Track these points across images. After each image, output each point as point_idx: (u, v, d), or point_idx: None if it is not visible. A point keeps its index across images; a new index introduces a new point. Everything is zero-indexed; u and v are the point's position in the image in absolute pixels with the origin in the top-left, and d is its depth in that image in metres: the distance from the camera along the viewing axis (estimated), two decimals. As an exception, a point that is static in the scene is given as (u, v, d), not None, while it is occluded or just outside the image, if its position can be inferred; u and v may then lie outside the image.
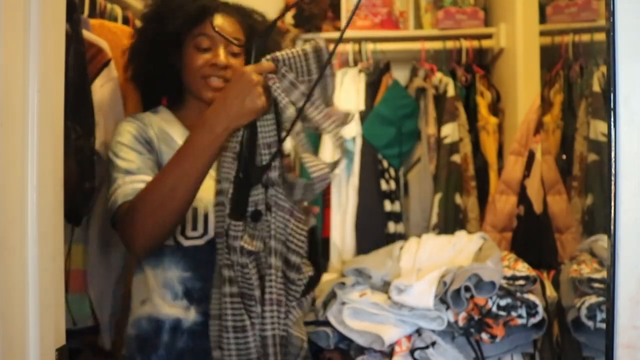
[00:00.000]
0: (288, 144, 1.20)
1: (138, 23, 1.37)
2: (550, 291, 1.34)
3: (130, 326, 1.25)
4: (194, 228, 1.19)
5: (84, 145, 1.21)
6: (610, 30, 0.81)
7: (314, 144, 2.31)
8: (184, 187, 1.06)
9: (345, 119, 1.09)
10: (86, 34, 1.29)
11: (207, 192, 1.20)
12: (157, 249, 1.18)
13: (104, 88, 1.36)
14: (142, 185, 1.11)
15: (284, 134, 1.05)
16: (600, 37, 0.88)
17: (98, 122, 1.31)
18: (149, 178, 1.12)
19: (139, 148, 1.19)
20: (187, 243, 1.20)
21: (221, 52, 1.24)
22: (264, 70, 1.03)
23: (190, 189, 1.07)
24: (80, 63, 1.19)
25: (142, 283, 1.24)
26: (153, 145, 1.23)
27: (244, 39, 1.29)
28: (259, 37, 1.10)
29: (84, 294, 1.34)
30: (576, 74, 1.83)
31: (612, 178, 0.81)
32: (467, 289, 1.22)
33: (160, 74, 1.30)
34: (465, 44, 2.37)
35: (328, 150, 2.26)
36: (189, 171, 1.05)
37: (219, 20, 1.25)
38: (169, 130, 1.27)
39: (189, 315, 1.20)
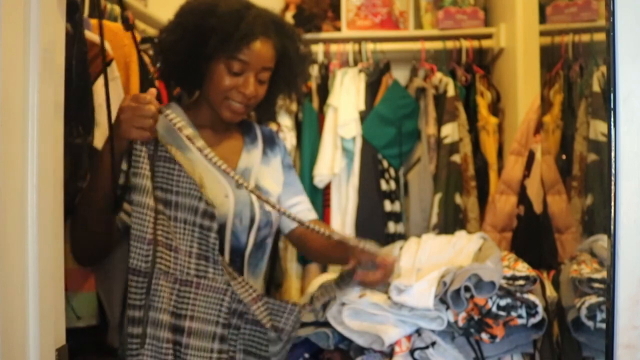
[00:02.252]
0: None
1: (165, 28, 1.28)
2: (550, 291, 1.34)
3: (124, 324, 1.25)
4: None
5: (82, 144, 1.21)
6: (610, 30, 0.81)
7: (314, 144, 2.31)
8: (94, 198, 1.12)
9: None
10: (88, 33, 1.29)
11: (210, 192, 1.21)
12: (97, 259, 1.24)
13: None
14: None
15: None
16: (600, 37, 0.88)
17: (99, 121, 1.31)
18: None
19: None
20: None
21: (251, 82, 1.23)
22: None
23: (99, 200, 1.12)
24: (82, 63, 1.19)
25: None
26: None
27: (274, 64, 1.27)
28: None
29: (89, 293, 1.35)
30: (576, 74, 1.83)
31: (612, 178, 0.81)
32: (467, 289, 1.22)
33: (183, 75, 1.30)
34: (465, 44, 2.37)
35: (328, 151, 2.26)
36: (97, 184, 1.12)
37: (257, 46, 1.22)
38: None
39: None
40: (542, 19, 2.01)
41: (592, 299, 1.17)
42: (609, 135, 0.82)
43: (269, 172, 1.37)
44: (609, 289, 0.82)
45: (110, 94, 1.37)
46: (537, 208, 1.84)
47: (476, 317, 1.22)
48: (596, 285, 1.20)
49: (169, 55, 1.27)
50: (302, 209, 1.42)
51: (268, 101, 1.35)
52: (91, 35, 1.32)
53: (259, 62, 1.23)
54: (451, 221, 2.19)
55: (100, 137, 1.31)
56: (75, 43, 1.14)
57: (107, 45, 1.35)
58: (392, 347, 1.25)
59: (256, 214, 1.27)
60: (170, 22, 1.27)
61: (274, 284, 2.19)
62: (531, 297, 1.23)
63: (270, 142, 1.42)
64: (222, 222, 1.21)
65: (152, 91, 1.07)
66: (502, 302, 1.22)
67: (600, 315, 1.14)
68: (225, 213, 1.22)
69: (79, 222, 1.17)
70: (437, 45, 2.39)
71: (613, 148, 0.81)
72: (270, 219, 1.30)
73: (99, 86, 1.33)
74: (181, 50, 1.24)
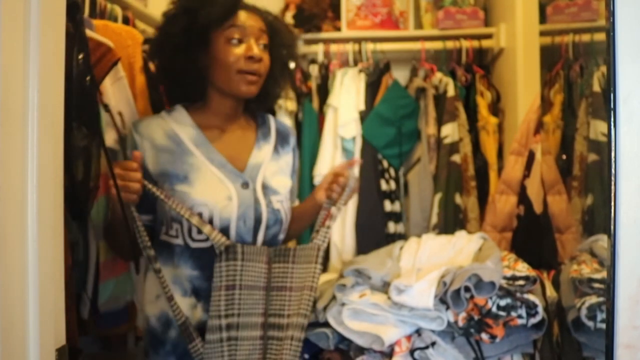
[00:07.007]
0: None
1: (160, 20, 1.33)
2: (550, 291, 1.34)
3: (144, 320, 1.30)
4: (199, 231, 1.22)
5: (89, 145, 1.21)
6: (610, 30, 0.81)
7: (314, 144, 2.31)
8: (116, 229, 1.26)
9: None
10: (94, 34, 1.29)
11: (211, 197, 1.23)
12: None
13: (114, 87, 1.36)
14: None
15: None
16: (600, 37, 0.88)
17: (109, 121, 1.31)
18: None
19: None
20: (194, 245, 1.24)
21: (254, 44, 1.26)
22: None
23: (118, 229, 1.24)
24: (85, 63, 1.19)
25: (154, 279, 1.26)
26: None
27: (268, 36, 1.31)
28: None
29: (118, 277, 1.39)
30: (576, 74, 1.83)
31: (612, 178, 0.81)
32: (467, 289, 1.22)
33: (185, 72, 1.30)
34: (465, 44, 2.37)
35: (328, 151, 2.26)
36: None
37: (243, 16, 1.27)
38: (180, 133, 1.28)
39: (196, 314, 1.23)
40: (542, 19, 2.01)
41: (592, 299, 1.17)
42: (609, 135, 0.82)
43: (278, 168, 1.37)
44: (609, 289, 0.82)
45: (117, 93, 1.37)
46: (537, 208, 1.84)
47: (476, 317, 1.22)
48: (596, 285, 1.20)
49: (170, 50, 1.28)
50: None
51: (265, 87, 1.34)
52: (97, 36, 1.32)
53: (255, 24, 1.27)
54: (451, 221, 2.19)
55: (112, 135, 1.32)
56: (76, 43, 1.14)
57: (113, 45, 1.35)
58: (392, 347, 1.25)
59: (262, 214, 1.27)
60: (162, 18, 1.32)
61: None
62: (531, 297, 1.23)
63: (283, 139, 1.42)
64: (226, 225, 1.23)
65: (137, 155, 1.18)
66: (502, 302, 1.22)
67: (600, 315, 1.14)
68: (229, 216, 1.23)
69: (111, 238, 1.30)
70: (437, 45, 2.39)
71: (613, 148, 0.81)
72: (279, 217, 1.30)
73: (107, 85, 1.33)
74: (180, 38, 1.26)
